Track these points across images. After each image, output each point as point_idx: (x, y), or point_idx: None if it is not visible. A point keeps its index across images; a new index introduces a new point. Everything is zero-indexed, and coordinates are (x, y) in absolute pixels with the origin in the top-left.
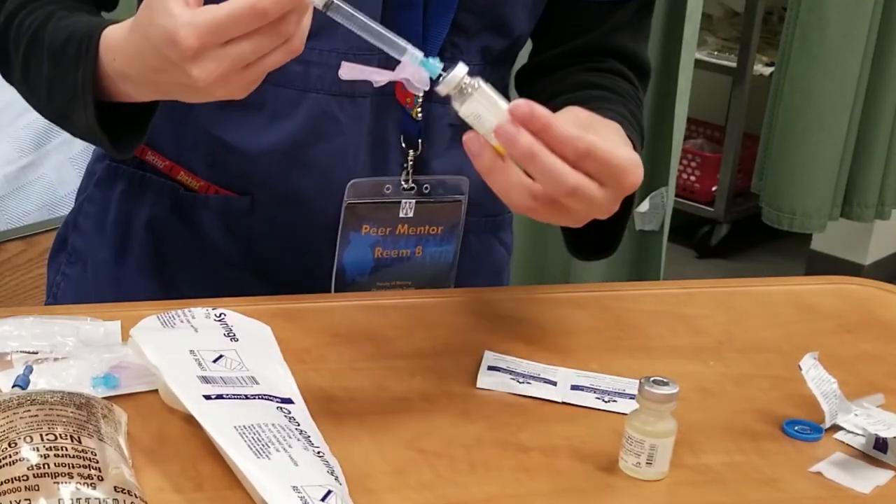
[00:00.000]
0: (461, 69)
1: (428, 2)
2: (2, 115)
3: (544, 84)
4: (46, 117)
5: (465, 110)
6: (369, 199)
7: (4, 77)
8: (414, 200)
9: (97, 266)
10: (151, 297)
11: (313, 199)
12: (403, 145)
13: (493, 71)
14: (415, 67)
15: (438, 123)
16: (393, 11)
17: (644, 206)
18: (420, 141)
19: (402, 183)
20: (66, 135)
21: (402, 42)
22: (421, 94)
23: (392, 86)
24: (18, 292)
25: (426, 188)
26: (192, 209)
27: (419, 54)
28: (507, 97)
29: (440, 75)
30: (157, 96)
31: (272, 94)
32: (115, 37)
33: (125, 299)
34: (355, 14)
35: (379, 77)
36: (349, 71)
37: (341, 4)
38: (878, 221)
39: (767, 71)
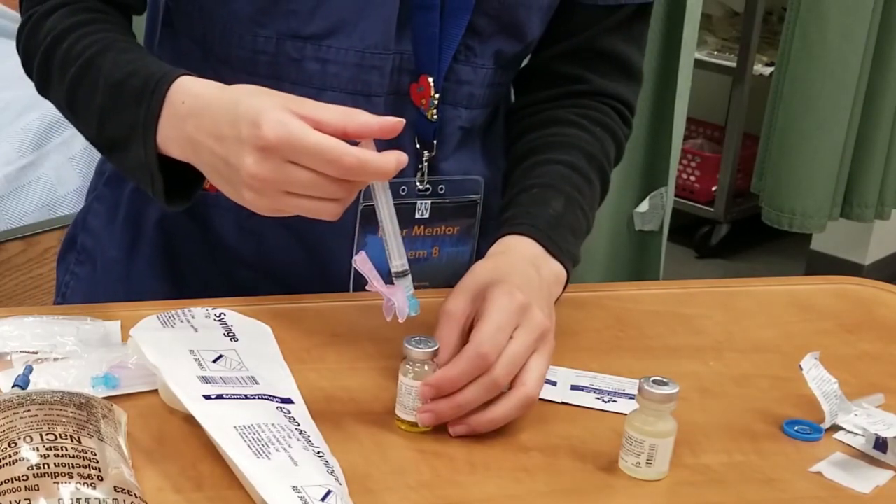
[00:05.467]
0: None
1: (444, 3)
2: (2, 115)
3: (525, 102)
4: (93, 143)
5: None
6: None
7: (40, 93)
8: (429, 201)
9: (107, 264)
10: (162, 296)
11: None
12: (418, 146)
13: (504, 74)
14: (403, 297)
15: (450, 125)
16: (411, 12)
17: (644, 206)
18: (435, 142)
19: (417, 184)
20: (65, 135)
21: (405, 263)
22: (437, 96)
23: (407, 86)
24: (18, 292)
25: (441, 189)
26: (203, 208)
27: (411, 287)
28: (510, 100)
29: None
30: (187, 156)
31: (289, 91)
32: (197, 85)
33: (135, 298)
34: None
35: (379, 287)
36: (361, 264)
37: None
38: (878, 221)
39: (767, 71)
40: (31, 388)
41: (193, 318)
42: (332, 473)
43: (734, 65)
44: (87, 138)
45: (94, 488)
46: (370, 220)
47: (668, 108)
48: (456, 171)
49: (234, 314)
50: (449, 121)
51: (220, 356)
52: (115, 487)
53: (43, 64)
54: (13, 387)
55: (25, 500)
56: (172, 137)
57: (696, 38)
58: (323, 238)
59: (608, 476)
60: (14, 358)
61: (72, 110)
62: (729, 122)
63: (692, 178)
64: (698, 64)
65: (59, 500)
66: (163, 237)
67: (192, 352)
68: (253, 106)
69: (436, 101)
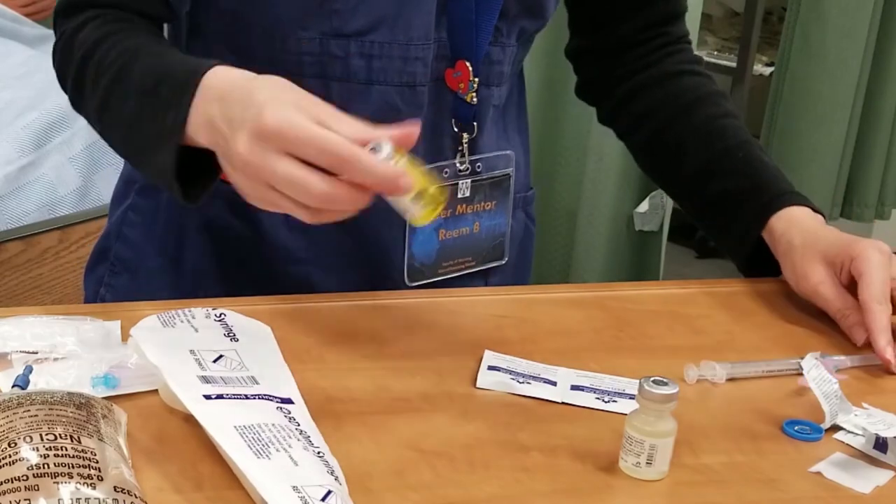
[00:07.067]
0: None
1: None
2: (2, 115)
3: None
4: (120, 153)
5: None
6: None
7: (75, 108)
8: (469, 180)
9: (149, 273)
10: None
11: None
12: (456, 129)
13: (522, 51)
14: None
15: (485, 105)
16: (447, 2)
17: (643, 207)
18: (475, 124)
19: (458, 165)
20: (65, 135)
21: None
22: (476, 80)
23: (442, 72)
24: (18, 292)
25: (479, 167)
26: (250, 207)
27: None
28: (522, 74)
29: None
30: (209, 141)
31: (337, 88)
32: (232, 72)
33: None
34: None
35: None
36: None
37: None
38: (878, 221)
39: (767, 71)
40: (31, 388)
41: (194, 318)
42: (332, 473)
43: (734, 65)
44: (115, 148)
45: (94, 488)
46: None
47: None
48: (491, 148)
49: (235, 314)
50: (484, 100)
51: (221, 356)
52: (115, 487)
53: (77, 78)
54: (13, 387)
55: (25, 500)
56: (200, 124)
57: (696, 38)
58: (375, 229)
59: (608, 476)
60: (14, 358)
61: (101, 121)
62: None
63: None
64: None
65: (58, 500)
66: (209, 241)
67: (192, 352)
68: (268, 96)
69: (475, 85)
